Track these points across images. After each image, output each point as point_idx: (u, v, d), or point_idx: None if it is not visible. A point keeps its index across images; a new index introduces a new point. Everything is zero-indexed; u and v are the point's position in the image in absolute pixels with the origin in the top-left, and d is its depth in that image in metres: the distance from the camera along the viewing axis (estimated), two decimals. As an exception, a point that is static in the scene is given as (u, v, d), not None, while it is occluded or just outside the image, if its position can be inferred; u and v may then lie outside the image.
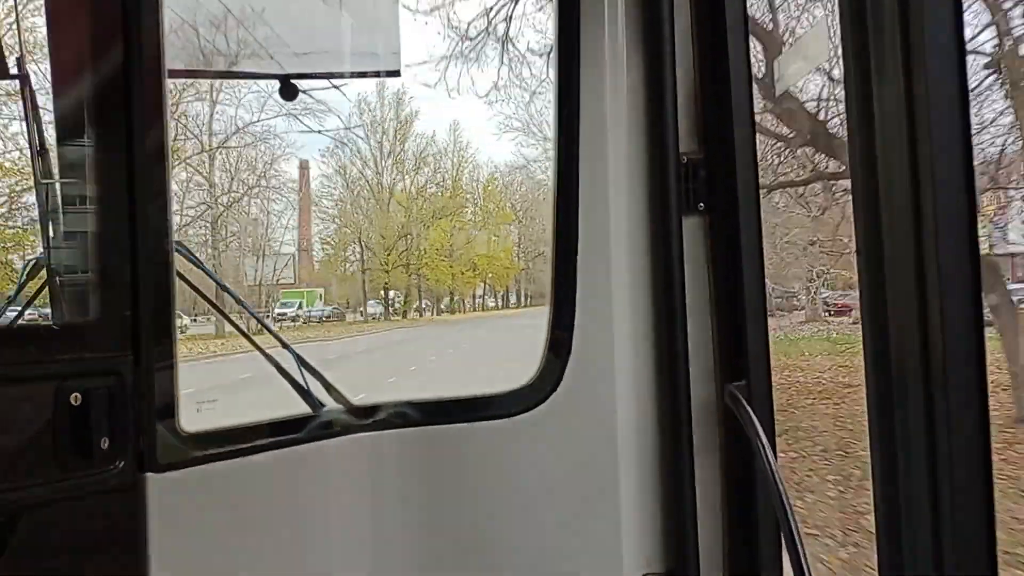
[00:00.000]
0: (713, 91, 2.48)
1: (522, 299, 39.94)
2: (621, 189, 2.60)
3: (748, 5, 2.46)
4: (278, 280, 26.37)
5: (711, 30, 2.46)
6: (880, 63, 1.56)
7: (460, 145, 33.28)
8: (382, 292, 32.86)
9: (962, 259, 1.46)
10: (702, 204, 2.52)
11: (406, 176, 33.20)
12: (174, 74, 2.38)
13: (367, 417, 2.62)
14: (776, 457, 2.16)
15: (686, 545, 2.48)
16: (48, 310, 2.64)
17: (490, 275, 36.39)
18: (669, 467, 2.55)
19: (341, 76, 3.26)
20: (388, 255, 32.54)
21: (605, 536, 2.61)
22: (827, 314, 12.77)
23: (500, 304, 39.50)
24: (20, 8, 3.03)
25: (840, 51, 1.67)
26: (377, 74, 3.23)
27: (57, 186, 2.53)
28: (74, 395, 1.96)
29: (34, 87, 2.68)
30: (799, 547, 1.92)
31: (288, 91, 3.06)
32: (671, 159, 2.49)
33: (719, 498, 2.53)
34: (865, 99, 1.60)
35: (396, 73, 3.12)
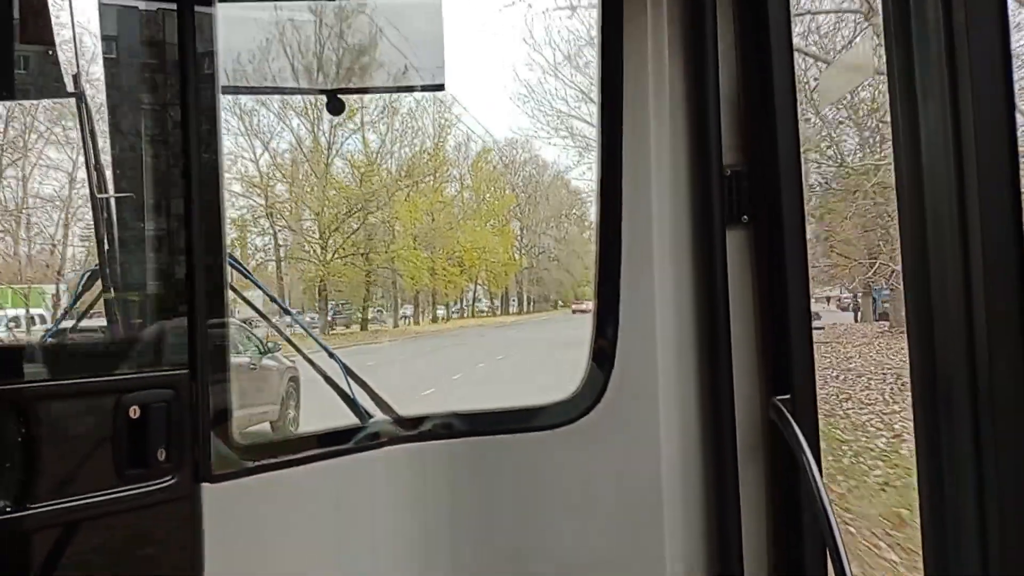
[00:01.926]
0: (757, 102, 2.47)
1: (524, 304, 34.88)
2: (665, 200, 2.61)
3: (791, 18, 2.45)
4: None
5: (754, 42, 2.46)
6: (925, 81, 1.55)
7: (444, 104, 26.17)
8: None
9: (1010, 275, 1.45)
10: (746, 216, 2.51)
11: (364, 128, 24.50)
12: (226, 90, 2.44)
13: (413, 428, 2.65)
14: (821, 471, 2.14)
15: (731, 557, 2.47)
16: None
17: (484, 272, 29.98)
18: (713, 479, 2.54)
19: (386, 90, 3.31)
20: (325, 238, 23.49)
21: (649, 546, 2.61)
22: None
23: (499, 310, 33.81)
24: (76, 27, 3.12)
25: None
26: (422, 88, 3.28)
27: (112, 200, 2.60)
28: (133, 408, 2.03)
29: (90, 104, 2.76)
30: (843, 561, 1.90)
31: (335, 105, 3.13)
32: (714, 170, 2.49)
33: (763, 511, 2.51)
34: (911, 117, 1.59)
35: (440, 87, 3.17)
